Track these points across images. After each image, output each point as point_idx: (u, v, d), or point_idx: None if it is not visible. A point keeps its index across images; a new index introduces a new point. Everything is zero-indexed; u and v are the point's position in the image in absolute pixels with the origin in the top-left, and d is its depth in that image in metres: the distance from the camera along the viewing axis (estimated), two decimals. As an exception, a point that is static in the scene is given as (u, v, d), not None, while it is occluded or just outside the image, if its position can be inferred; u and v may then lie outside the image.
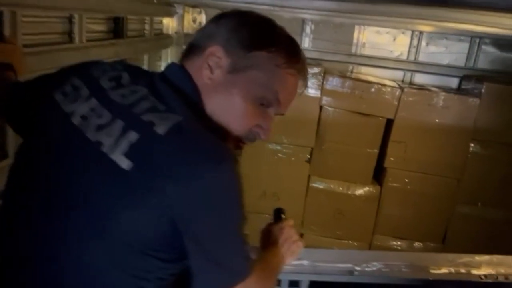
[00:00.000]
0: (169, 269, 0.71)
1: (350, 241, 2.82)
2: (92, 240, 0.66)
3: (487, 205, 2.67)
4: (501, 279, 1.03)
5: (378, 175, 2.77)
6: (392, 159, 2.68)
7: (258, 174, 2.73)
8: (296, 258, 1.01)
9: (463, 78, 2.86)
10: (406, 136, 2.64)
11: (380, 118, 2.65)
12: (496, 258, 1.10)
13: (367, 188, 2.75)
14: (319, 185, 2.79)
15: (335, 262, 1.07)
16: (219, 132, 0.75)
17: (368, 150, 2.70)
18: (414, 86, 2.83)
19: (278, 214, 1.07)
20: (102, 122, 0.69)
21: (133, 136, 0.66)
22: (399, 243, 2.79)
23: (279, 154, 2.75)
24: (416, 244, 2.78)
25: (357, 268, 1.06)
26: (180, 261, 0.70)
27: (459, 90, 2.85)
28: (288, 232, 0.99)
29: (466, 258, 1.09)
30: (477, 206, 2.69)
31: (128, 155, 0.65)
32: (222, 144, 0.69)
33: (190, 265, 0.68)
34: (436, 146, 2.63)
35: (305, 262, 1.08)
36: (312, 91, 2.63)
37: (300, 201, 2.80)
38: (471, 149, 2.62)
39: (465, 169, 2.63)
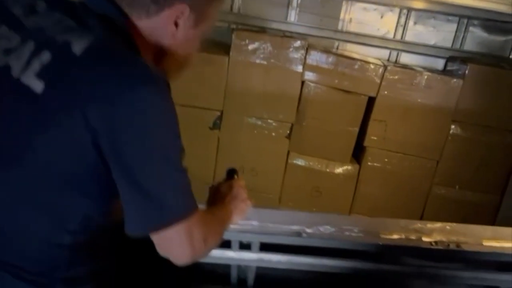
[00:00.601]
0: (97, 207, 0.67)
1: (327, 219, 2.81)
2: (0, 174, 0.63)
3: (465, 188, 2.65)
4: (452, 246, 1.01)
5: (358, 154, 2.74)
6: (372, 138, 2.65)
7: (237, 148, 2.67)
8: (244, 218, 0.99)
9: (448, 59, 2.81)
10: (387, 115, 2.60)
11: (362, 96, 2.60)
12: (449, 226, 1.08)
13: (346, 166, 2.73)
14: (298, 161, 2.76)
15: (284, 223, 1.04)
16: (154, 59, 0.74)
17: (348, 128, 2.66)
18: (398, 65, 2.78)
19: (231, 174, 1.04)
20: (10, 46, 0.65)
21: (45, 56, 0.62)
22: (376, 223, 2.79)
23: (259, 129, 2.71)
24: (393, 224, 2.78)
25: (307, 230, 1.03)
26: (109, 197, 0.65)
27: (444, 71, 2.80)
28: (237, 190, 0.97)
29: (418, 224, 1.06)
30: (455, 188, 2.67)
31: (40, 76, 0.61)
32: (152, 67, 0.64)
33: (121, 200, 0.63)
34: (417, 126, 2.60)
35: (254, 222, 1.05)
36: (294, 65, 2.58)
37: (279, 177, 2.77)
38: (451, 130, 2.58)
39: (445, 151, 2.61)
